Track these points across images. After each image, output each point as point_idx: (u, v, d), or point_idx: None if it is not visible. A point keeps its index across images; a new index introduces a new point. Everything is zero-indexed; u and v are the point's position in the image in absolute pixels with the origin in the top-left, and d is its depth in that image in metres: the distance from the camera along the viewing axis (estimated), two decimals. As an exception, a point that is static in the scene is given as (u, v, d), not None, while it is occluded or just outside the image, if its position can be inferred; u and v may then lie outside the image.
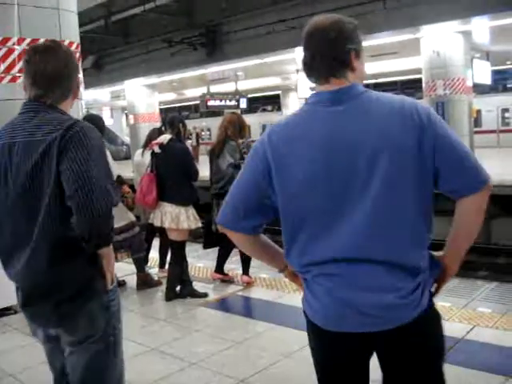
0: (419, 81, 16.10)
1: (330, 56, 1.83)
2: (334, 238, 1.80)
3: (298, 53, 16.98)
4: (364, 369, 2.00)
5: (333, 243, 1.80)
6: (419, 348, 1.86)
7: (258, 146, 1.92)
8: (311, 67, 1.88)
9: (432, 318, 1.90)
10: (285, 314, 5.24)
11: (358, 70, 1.87)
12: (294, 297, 5.67)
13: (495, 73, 22.31)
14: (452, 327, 4.52)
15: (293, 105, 30.90)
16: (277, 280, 6.31)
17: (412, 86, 32.82)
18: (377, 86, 38.08)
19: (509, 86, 36.00)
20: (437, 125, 1.78)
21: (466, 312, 5.00)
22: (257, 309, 5.81)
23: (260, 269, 6.86)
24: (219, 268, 6.37)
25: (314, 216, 1.83)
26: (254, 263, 6.47)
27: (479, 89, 21.84)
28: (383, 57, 18.97)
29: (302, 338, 4.44)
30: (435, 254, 1.92)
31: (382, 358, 1.93)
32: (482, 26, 14.18)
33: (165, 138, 5.77)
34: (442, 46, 14.34)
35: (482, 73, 16.63)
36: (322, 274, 1.85)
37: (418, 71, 15.74)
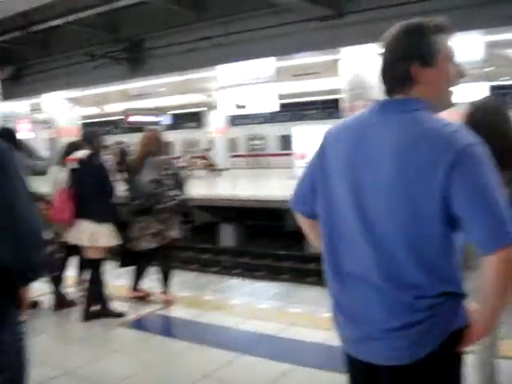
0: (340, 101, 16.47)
1: (390, 74, 1.77)
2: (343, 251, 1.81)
3: (221, 70, 17.10)
4: None
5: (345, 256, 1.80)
6: None
7: (320, 142, 1.94)
8: (381, 80, 1.81)
9: (439, 366, 1.71)
10: (204, 333, 5.19)
11: (427, 81, 1.72)
12: (213, 315, 5.65)
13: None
14: None
15: (215, 122, 31.00)
16: (196, 298, 6.26)
17: (332, 106, 33.58)
18: (298, 105, 38.83)
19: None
20: (464, 164, 1.58)
21: None
22: (175, 328, 5.73)
23: (180, 287, 6.78)
24: (135, 286, 6.25)
25: (330, 221, 1.85)
26: (174, 281, 6.40)
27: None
28: (305, 77, 19.36)
29: (220, 356, 4.45)
30: (472, 306, 1.74)
31: None
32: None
33: (82, 153, 5.64)
34: (361, 68, 14.77)
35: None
36: (336, 287, 1.85)
37: (339, 92, 16.10)
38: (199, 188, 19.80)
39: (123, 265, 6.32)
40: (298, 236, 13.89)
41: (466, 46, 14.03)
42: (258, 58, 14.73)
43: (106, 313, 5.66)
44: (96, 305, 5.68)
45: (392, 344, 1.67)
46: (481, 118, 2.83)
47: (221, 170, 28.33)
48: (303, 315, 5.44)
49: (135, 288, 6.25)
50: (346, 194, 1.75)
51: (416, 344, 1.65)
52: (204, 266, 13.38)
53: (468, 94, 14.74)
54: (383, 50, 1.78)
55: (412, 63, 1.70)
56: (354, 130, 1.80)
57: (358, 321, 1.74)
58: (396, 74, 1.74)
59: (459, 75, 1.79)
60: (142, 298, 6.23)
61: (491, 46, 14.05)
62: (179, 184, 6.16)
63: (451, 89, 1.80)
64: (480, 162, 1.59)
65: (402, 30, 1.74)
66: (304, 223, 2.07)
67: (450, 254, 1.67)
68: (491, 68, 16.10)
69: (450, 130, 1.62)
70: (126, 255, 6.16)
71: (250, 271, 12.63)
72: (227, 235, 16.59)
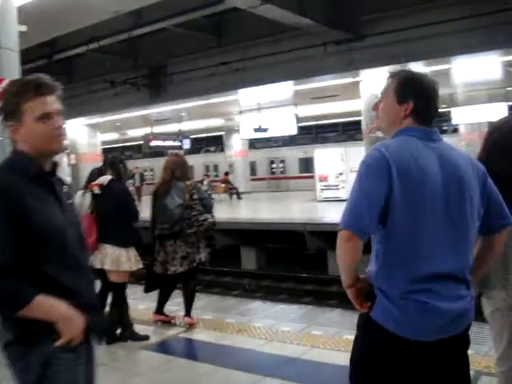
0: (360, 123, 16.47)
1: (436, 111, 2.33)
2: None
3: (242, 94, 17.23)
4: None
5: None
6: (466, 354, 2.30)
7: (380, 161, 2.12)
8: (429, 114, 2.31)
9: None
10: (227, 356, 5.20)
11: None
12: (235, 338, 5.65)
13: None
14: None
15: (236, 145, 31.17)
16: (219, 321, 6.28)
17: (352, 128, 33.58)
18: (319, 128, 38.85)
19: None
20: (486, 175, 2.30)
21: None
22: (199, 351, 5.73)
23: (203, 310, 6.81)
24: (159, 309, 6.28)
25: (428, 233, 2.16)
26: (197, 304, 6.42)
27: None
28: (325, 99, 19.43)
29: (243, 379, 4.45)
30: None
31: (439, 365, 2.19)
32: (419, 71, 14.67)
33: (105, 178, 5.72)
34: (380, 90, 14.74)
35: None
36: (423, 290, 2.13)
37: (359, 113, 16.12)
38: (220, 212, 19.86)
39: (148, 289, 6.35)
40: (319, 258, 13.77)
41: (486, 67, 14.06)
42: (275, 82, 14.84)
43: (130, 336, 5.69)
44: (119, 328, 5.72)
45: (470, 314, 2.21)
46: (499, 137, 2.86)
47: (241, 193, 28.39)
48: (325, 337, 5.43)
49: (160, 311, 6.29)
50: (442, 207, 2.13)
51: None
52: (226, 289, 13.37)
53: (487, 114, 14.86)
54: (431, 91, 2.32)
55: None
56: (426, 153, 2.18)
57: (451, 306, 2.11)
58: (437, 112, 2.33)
59: None
60: (165, 322, 6.27)
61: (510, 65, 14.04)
62: (207, 208, 6.21)
63: None
64: None
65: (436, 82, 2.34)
66: (358, 246, 2.10)
67: None
68: (510, 88, 16.07)
69: (467, 155, 2.33)
70: (151, 279, 6.21)
71: (272, 294, 12.60)
72: (248, 258, 16.57)
